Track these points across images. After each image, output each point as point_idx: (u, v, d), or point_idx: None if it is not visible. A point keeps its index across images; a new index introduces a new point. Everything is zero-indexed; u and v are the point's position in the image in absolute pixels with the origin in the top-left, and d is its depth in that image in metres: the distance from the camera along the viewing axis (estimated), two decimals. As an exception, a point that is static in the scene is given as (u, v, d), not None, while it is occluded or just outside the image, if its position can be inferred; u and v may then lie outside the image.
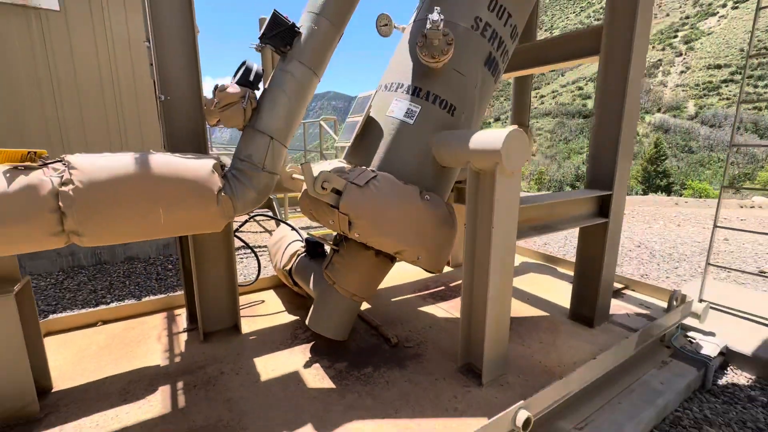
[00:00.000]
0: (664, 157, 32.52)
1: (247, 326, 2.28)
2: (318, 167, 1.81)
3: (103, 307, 2.57)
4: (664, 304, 2.63)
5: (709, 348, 2.43)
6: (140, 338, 2.15)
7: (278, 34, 1.62)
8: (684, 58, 65.70)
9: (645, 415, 1.91)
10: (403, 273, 3.20)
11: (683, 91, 59.84)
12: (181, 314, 2.44)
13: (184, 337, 2.17)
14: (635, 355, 2.25)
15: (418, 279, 3.11)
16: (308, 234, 2.65)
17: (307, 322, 2.01)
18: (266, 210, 5.53)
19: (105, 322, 2.30)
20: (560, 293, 2.78)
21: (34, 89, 3.99)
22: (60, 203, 1.23)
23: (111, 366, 1.88)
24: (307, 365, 1.91)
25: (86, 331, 2.20)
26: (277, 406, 1.60)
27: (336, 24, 1.75)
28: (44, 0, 3.88)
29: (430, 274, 3.19)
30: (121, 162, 1.34)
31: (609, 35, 2.04)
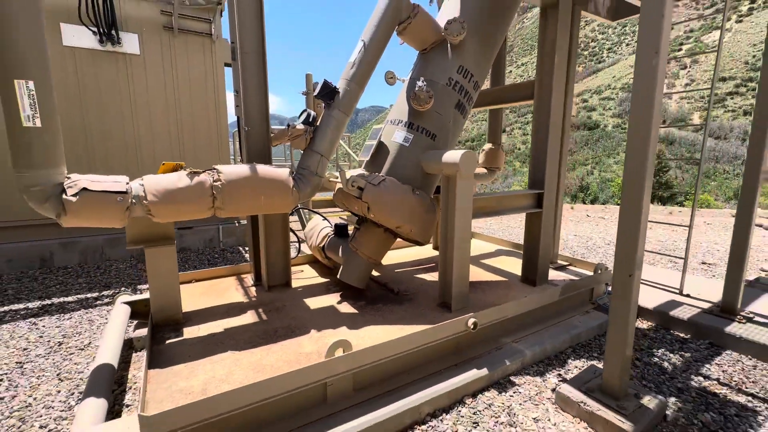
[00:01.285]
0: (666, 169, 33.00)
1: (295, 284, 3.30)
2: (348, 173, 2.84)
3: (193, 270, 3.59)
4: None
5: (623, 304, 3.38)
6: (225, 288, 3.18)
7: (327, 93, 2.67)
8: (689, 71, 65.90)
9: (561, 338, 2.88)
10: (404, 255, 4.20)
11: (688, 103, 60.03)
12: (246, 277, 3.47)
13: (253, 289, 3.19)
14: (567, 305, 3.23)
15: (414, 258, 4.11)
16: (329, 221, 3.68)
17: (339, 275, 3.03)
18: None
19: (198, 281, 3.34)
20: (519, 268, 3.76)
21: (118, 115, 5.14)
22: (213, 191, 2.27)
23: (212, 301, 2.91)
24: (339, 303, 2.92)
25: (186, 285, 3.24)
26: (323, 320, 2.61)
27: (360, 84, 2.79)
28: (129, 47, 5.05)
29: (425, 256, 4.19)
30: (243, 169, 2.38)
31: (538, 86, 3.06)
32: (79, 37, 4.71)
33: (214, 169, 2.35)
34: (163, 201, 2.15)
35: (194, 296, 3.00)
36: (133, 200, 2.09)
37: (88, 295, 4.08)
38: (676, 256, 3.74)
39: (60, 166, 1.96)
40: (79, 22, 4.60)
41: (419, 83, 2.69)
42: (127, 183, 2.10)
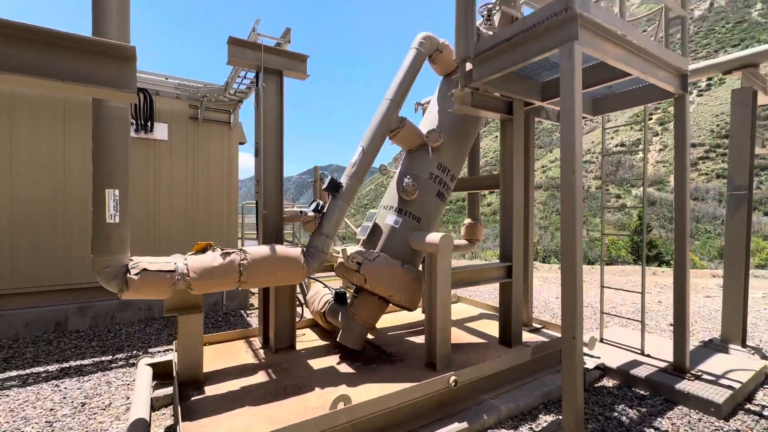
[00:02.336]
0: (649, 228, 34.03)
1: (299, 346, 3.71)
2: (349, 249, 3.43)
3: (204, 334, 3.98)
4: (563, 336, 4.05)
5: (590, 363, 3.82)
6: (236, 350, 3.58)
7: (333, 187, 3.37)
8: (660, 137, 70.47)
9: (534, 395, 3.28)
10: (396, 318, 4.65)
11: (663, 166, 63.57)
12: (255, 340, 3.88)
13: (261, 351, 3.59)
14: (540, 365, 3.67)
15: (405, 322, 4.55)
16: (327, 287, 4.19)
17: (338, 338, 3.47)
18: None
19: (210, 343, 3.74)
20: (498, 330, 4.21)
21: (142, 191, 5.82)
22: (240, 269, 2.82)
23: (227, 362, 3.31)
24: (338, 363, 3.33)
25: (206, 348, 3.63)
26: (325, 379, 3.01)
27: (359, 179, 3.50)
28: (159, 134, 5.89)
29: (414, 320, 4.64)
30: (264, 250, 2.96)
31: (502, 180, 3.80)
32: (118, 127, 5.53)
33: (242, 250, 2.92)
34: (202, 277, 2.69)
35: (210, 358, 3.39)
36: (178, 277, 2.62)
37: (103, 358, 4.39)
38: (634, 319, 4.26)
39: (127, 251, 2.52)
40: (133, 117, 5.47)
41: (406, 180, 3.41)
42: (175, 263, 2.65)
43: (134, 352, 4.59)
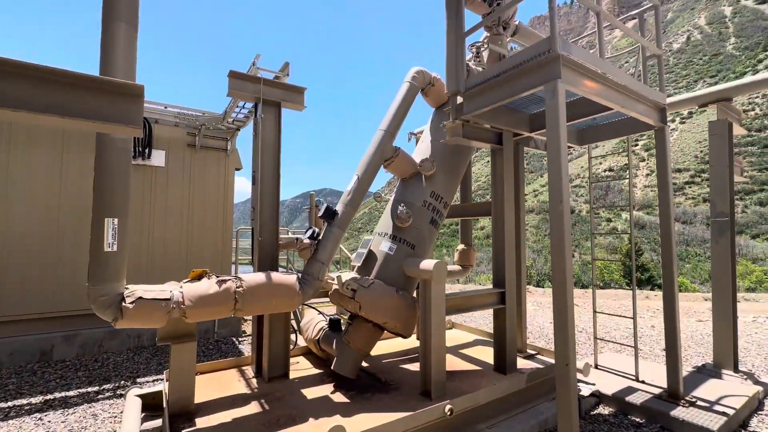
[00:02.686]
0: (639, 252, 34.20)
1: (292, 375, 3.66)
2: (344, 276, 3.46)
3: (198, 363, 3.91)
4: (558, 363, 4.06)
5: (585, 390, 3.81)
6: (228, 380, 3.52)
7: (328, 214, 3.43)
8: (647, 163, 72.03)
9: (530, 423, 3.25)
10: (391, 345, 4.62)
11: (651, 191, 64.76)
12: (247, 369, 3.82)
13: (254, 381, 3.54)
14: (536, 392, 3.65)
15: (400, 349, 4.52)
16: (321, 314, 4.17)
17: (332, 366, 3.44)
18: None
19: (201, 373, 3.67)
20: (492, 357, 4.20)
21: (138, 216, 5.83)
22: (236, 296, 2.83)
23: (219, 392, 3.25)
24: (332, 392, 3.29)
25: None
26: (319, 409, 2.97)
27: (354, 207, 3.57)
28: (156, 161, 5.96)
29: (409, 346, 4.61)
30: (260, 277, 2.98)
31: (494, 207, 3.90)
32: (116, 154, 5.60)
33: (238, 277, 2.94)
34: (197, 305, 2.69)
35: (201, 388, 3.33)
36: (174, 305, 2.62)
37: (89, 389, 4.26)
38: (628, 345, 4.28)
39: (123, 279, 2.53)
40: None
41: (401, 207, 3.49)
42: (171, 291, 2.66)
43: (122, 382, 4.47)
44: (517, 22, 4.22)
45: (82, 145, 5.42)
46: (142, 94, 1.99)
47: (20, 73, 1.83)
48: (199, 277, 2.94)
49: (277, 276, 3.06)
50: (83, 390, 4.25)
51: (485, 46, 3.99)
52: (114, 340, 5.55)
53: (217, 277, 2.93)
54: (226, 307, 2.80)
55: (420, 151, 4.09)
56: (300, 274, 3.27)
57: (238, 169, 7.60)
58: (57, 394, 4.12)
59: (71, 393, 4.16)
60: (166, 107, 5.69)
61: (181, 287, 2.74)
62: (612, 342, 4.46)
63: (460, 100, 3.51)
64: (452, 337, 5.00)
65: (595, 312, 4.59)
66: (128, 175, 2.57)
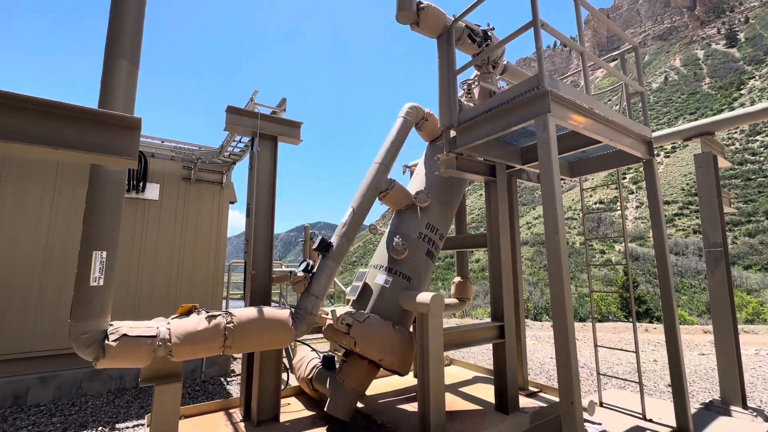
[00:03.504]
0: (636, 284, 33.90)
1: (283, 417, 3.45)
2: (339, 310, 3.36)
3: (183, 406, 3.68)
4: (561, 401, 3.89)
5: (591, 430, 3.63)
6: (213, 425, 3.30)
7: (323, 247, 3.39)
8: (636, 195, 73.23)
9: (535, 468, 3.06)
10: (387, 384, 4.42)
11: (642, 222, 65.47)
12: (235, 411, 3.60)
13: (242, 425, 3.32)
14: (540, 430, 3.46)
15: (397, 388, 4.32)
16: (315, 351, 4.01)
17: (326, 408, 3.25)
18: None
19: (186, 416, 3.45)
20: (493, 395, 4.02)
21: (128, 248, 5.71)
22: (226, 332, 2.71)
23: (203, 439, 3.03)
24: (326, 437, 3.09)
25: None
26: (311, 455, 2.77)
27: (349, 239, 3.54)
28: (150, 194, 5.94)
29: (406, 385, 4.41)
30: (251, 312, 2.87)
31: (489, 239, 3.89)
32: (110, 187, 5.58)
33: (228, 312, 2.84)
34: (184, 342, 2.57)
35: (185, 434, 3.11)
36: (159, 343, 2.50)
37: (64, 437, 3.97)
38: (632, 381, 4.14)
39: (107, 316, 2.43)
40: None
41: (396, 239, 3.46)
42: (157, 328, 2.55)
43: (100, 428, 4.18)
44: (505, 62, 4.42)
45: (73, 181, 5.40)
46: (138, 127, 2.00)
47: (16, 105, 1.84)
48: (187, 313, 2.83)
49: (269, 311, 2.97)
50: (57, 438, 3.95)
51: (476, 83, 4.15)
52: (94, 381, 5.25)
53: (207, 312, 2.82)
54: (215, 344, 2.68)
55: (415, 184, 4.13)
56: (293, 309, 3.17)
57: (232, 203, 7.59)
58: (28, 443, 3.83)
59: (43, 441, 3.87)
60: (162, 141, 5.75)
61: (168, 323, 2.63)
62: (616, 378, 4.31)
63: (453, 134, 3.59)
64: (451, 374, 4.81)
65: (596, 346, 4.47)
66: (120, 208, 2.53)
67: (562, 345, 2.47)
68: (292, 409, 3.70)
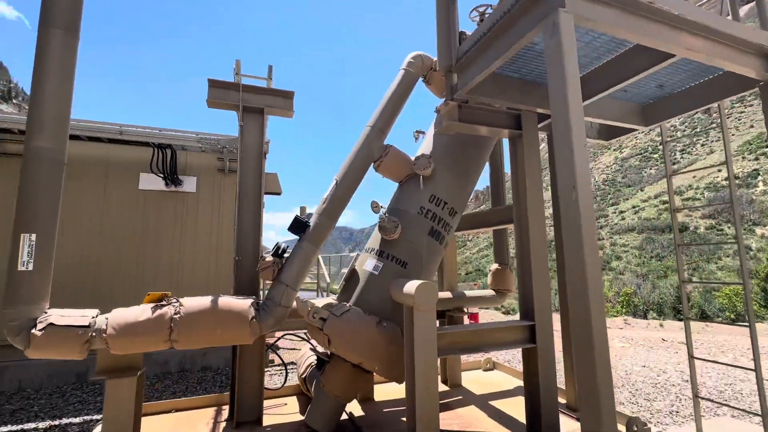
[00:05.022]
0: (768, 276, 27.33)
1: (268, 420, 3.07)
2: (316, 302, 2.83)
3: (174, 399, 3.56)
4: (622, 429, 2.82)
5: (674, 481, 2.52)
6: (193, 424, 3.06)
7: (297, 227, 2.89)
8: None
9: None
10: (401, 390, 3.77)
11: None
12: (226, 408, 3.33)
13: (222, 425, 3.02)
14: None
15: (415, 395, 3.64)
16: (313, 347, 3.53)
17: (305, 417, 2.77)
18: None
19: (177, 410, 3.28)
20: (534, 415, 3.10)
21: (169, 240, 5.97)
22: (171, 324, 2.39)
23: (175, 438, 2.78)
24: (299, 451, 2.60)
25: (157, 417, 3.18)
26: (268, 474, 2.31)
27: (331, 218, 2.98)
28: (188, 187, 6.12)
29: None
30: (204, 301, 2.52)
31: (516, 210, 2.97)
32: (150, 182, 5.89)
33: (178, 301, 2.51)
34: (121, 334, 2.30)
35: (163, 430, 2.91)
36: (94, 333, 2.26)
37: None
38: (750, 412, 2.83)
39: (41, 302, 2.26)
40: (159, 172, 5.83)
41: (382, 213, 2.78)
42: (94, 317, 2.32)
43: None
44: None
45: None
46: None
47: None
48: (157, 302, 2.58)
49: (225, 301, 2.57)
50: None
51: (490, 9, 3.21)
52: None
53: (171, 302, 2.54)
54: (158, 337, 2.37)
55: (422, 150, 3.38)
56: (257, 300, 2.73)
57: (277, 194, 7.57)
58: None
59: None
60: (183, 132, 5.85)
61: (110, 313, 2.39)
62: (722, 404, 3.01)
63: (455, 79, 2.77)
64: (489, 382, 3.95)
65: (691, 357, 3.20)
66: (57, 190, 2.34)
67: (584, 353, 1.59)
68: (286, 411, 3.30)
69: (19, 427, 3.93)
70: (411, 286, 2.42)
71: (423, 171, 3.01)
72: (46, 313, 2.26)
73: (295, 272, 2.81)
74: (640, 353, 6.88)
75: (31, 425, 3.97)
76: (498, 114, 2.98)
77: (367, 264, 2.93)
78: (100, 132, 5.47)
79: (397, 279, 2.78)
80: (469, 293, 3.93)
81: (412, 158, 3.19)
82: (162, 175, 5.79)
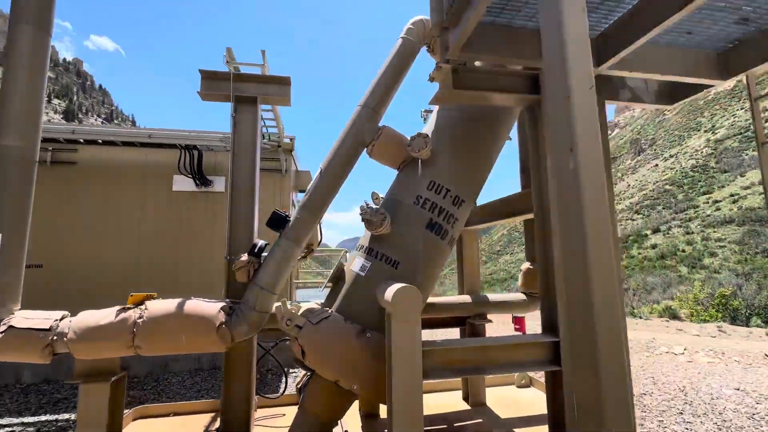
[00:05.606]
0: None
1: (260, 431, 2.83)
2: (303, 306, 2.50)
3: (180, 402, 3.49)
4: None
5: None
6: (187, 428, 2.91)
7: (275, 223, 2.59)
8: None
9: None
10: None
11: None
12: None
13: (213, 434, 2.84)
14: None
15: (432, 413, 3.16)
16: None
17: (284, 435, 2.46)
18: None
19: (176, 414, 3.18)
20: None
21: (202, 239, 6.11)
22: (134, 329, 2.22)
23: (158, 447, 2.64)
24: (274, 476, 2.29)
25: (161, 419, 3.09)
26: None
27: (313, 212, 2.63)
28: (218, 187, 6.21)
29: (449, 411, 3.21)
30: (170, 305, 2.32)
31: (535, 197, 2.36)
32: (183, 183, 6.07)
33: (144, 304, 2.33)
34: (81, 338, 2.17)
35: (150, 437, 2.80)
36: (55, 337, 2.16)
37: None
38: None
39: (8, 304, 2.21)
40: (187, 173, 5.99)
41: (361, 205, 2.37)
42: (57, 320, 2.22)
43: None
44: None
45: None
46: None
47: None
48: (140, 303, 2.46)
49: (192, 305, 2.34)
50: None
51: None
52: (179, 361, 5.75)
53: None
54: (120, 343, 2.21)
55: (425, 130, 2.89)
56: (231, 304, 2.47)
57: (302, 192, 7.47)
58: None
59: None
60: (202, 133, 5.90)
61: (76, 316, 2.28)
62: None
63: (451, 39, 2.25)
64: (521, 403, 3.34)
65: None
66: (26, 188, 2.29)
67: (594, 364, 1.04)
68: (281, 423, 3.03)
69: (59, 416, 4.17)
70: (390, 291, 1.98)
71: (419, 153, 2.53)
72: (12, 315, 2.21)
73: (272, 273, 2.51)
74: (733, 371, 5.59)
75: (66, 416, 4.19)
76: (509, 77, 2.40)
77: (354, 264, 2.53)
78: (131, 137, 5.75)
79: (386, 282, 2.34)
80: (493, 297, 3.35)
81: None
82: (190, 176, 5.93)
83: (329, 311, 2.36)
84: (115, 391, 2.48)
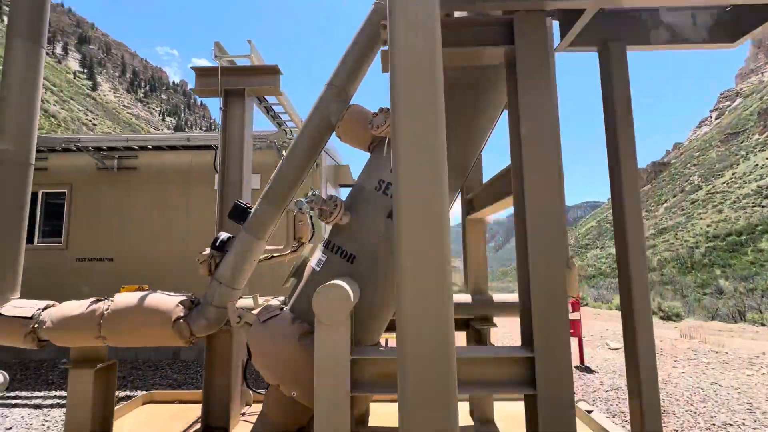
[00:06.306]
0: None
1: (242, 428, 2.78)
2: (273, 302, 2.37)
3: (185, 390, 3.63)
4: None
5: None
6: (166, 420, 2.99)
7: (236, 215, 2.48)
8: None
9: None
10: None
11: None
12: (220, 408, 3.18)
13: (197, 425, 2.86)
14: None
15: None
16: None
17: (245, 437, 2.35)
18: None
19: (166, 402, 3.31)
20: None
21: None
22: (100, 320, 2.29)
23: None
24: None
25: (162, 405, 3.23)
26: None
27: (276, 204, 2.46)
28: (253, 184, 6.43)
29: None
30: (133, 298, 2.35)
31: (513, 175, 1.88)
32: (222, 181, 6.42)
33: (113, 297, 2.40)
34: (56, 327, 2.30)
35: (144, 423, 2.92)
36: (36, 325, 2.32)
37: None
38: None
39: (6, 293, 2.43)
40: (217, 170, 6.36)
41: (304, 200, 2.12)
42: (40, 309, 2.38)
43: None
44: None
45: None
46: None
47: None
48: None
49: (153, 299, 2.34)
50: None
51: None
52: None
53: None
54: (89, 333, 2.30)
55: (401, 105, 2.53)
56: (192, 298, 2.42)
57: (343, 186, 7.45)
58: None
59: None
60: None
61: (58, 306, 2.43)
62: None
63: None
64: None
65: None
66: (21, 190, 2.49)
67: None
68: (269, 421, 2.95)
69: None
70: (317, 294, 1.72)
71: (379, 131, 2.20)
72: (8, 303, 2.43)
73: (230, 268, 2.41)
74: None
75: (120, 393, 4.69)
76: (483, 27, 1.94)
77: (314, 258, 2.31)
78: (173, 141, 6.24)
79: (336, 280, 2.07)
80: (498, 297, 2.85)
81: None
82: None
83: (282, 309, 2.17)
84: (105, 378, 2.61)
